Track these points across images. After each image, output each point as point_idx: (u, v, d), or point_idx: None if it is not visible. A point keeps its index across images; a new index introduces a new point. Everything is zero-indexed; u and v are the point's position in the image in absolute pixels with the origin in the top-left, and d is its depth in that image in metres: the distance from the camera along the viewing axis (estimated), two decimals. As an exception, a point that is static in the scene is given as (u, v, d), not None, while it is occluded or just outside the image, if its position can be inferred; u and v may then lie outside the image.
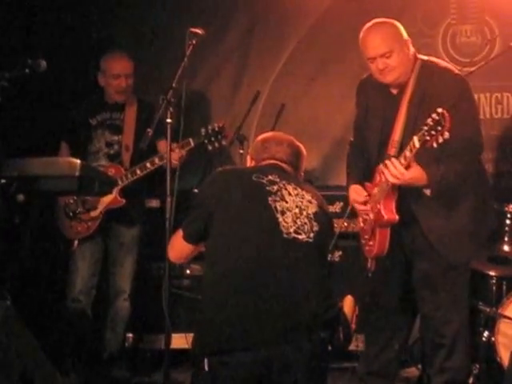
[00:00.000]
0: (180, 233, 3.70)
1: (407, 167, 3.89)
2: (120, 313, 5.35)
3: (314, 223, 3.58)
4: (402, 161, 3.90)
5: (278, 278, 3.43)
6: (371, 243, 4.19)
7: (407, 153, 3.87)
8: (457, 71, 4.15)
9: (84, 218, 5.23)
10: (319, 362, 3.50)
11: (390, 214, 4.07)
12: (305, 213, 3.58)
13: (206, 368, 3.40)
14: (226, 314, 3.40)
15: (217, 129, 5.17)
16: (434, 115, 3.65)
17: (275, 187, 3.58)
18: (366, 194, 4.28)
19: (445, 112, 3.64)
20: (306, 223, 3.56)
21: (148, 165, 5.15)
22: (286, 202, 3.56)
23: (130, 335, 5.53)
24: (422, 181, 3.95)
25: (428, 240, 4.16)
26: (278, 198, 3.55)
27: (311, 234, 3.55)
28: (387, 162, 3.98)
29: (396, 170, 3.91)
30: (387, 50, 4.08)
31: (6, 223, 4.20)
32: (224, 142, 5.23)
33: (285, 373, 3.40)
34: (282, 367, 3.39)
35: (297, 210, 3.56)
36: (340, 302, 3.74)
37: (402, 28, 4.17)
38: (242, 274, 3.42)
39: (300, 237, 3.52)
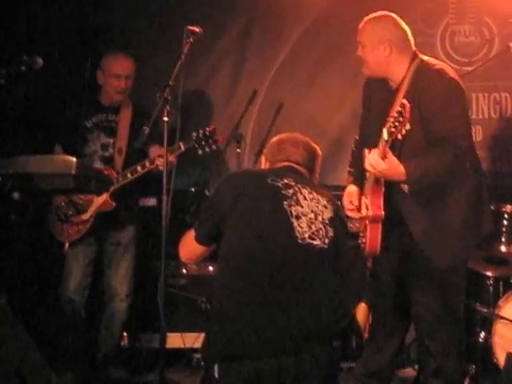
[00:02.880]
0: (192, 233, 3.65)
1: (382, 159, 3.89)
2: (116, 314, 5.34)
3: (329, 229, 3.51)
4: (380, 152, 3.92)
5: (292, 285, 3.37)
6: (364, 241, 4.18)
7: (380, 145, 3.89)
8: (451, 74, 4.13)
9: (75, 220, 5.22)
10: (331, 371, 3.45)
11: (376, 209, 4.06)
12: (320, 218, 3.51)
13: (216, 375, 3.34)
14: (239, 321, 3.33)
15: (208, 133, 5.16)
16: (398, 107, 3.71)
17: (290, 191, 3.52)
18: (357, 200, 4.29)
19: (406, 103, 3.70)
20: (320, 229, 3.49)
21: (139, 168, 5.14)
22: (302, 207, 3.50)
23: (126, 334, 5.53)
24: (399, 175, 3.94)
25: (414, 241, 4.15)
26: (293, 203, 3.49)
27: (326, 240, 3.48)
28: (367, 151, 4.00)
29: (372, 159, 3.90)
30: (360, 39, 4.20)
31: (1, 221, 4.20)
32: (215, 147, 5.20)
33: (297, 382, 3.34)
34: (294, 376, 3.33)
35: (312, 215, 3.50)
36: (354, 309, 3.69)
37: (394, 29, 4.17)
38: (256, 280, 3.36)
39: (315, 242, 3.45)
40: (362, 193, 4.30)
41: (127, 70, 5.31)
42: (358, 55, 4.24)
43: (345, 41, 5.50)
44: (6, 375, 3.56)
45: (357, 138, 4.67)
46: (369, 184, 4.14)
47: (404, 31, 4.19)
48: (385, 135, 3.79)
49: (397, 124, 3.72)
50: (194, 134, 5.15)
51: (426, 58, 4.21)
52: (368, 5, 5.70)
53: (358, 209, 4.27)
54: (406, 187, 4.03)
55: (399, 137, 3.77)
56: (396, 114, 3.72)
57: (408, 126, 3.72)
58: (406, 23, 4.25)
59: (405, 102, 3.72)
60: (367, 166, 3.95)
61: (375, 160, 3.89)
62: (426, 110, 3.99)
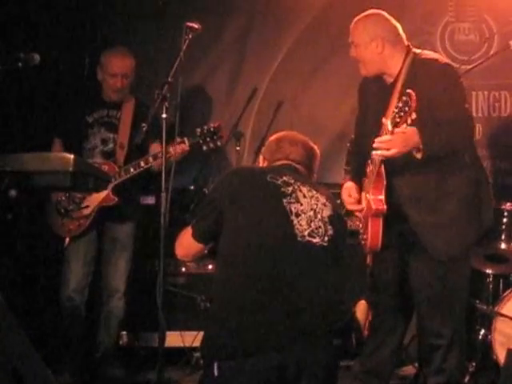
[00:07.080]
0: (189, 230, 3.63)
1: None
2: (114, 312, 5.31)
3: (329, 227, 3.51)
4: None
5: (292, 283, 3.36)
6: (365, 237, 4.17)
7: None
8: (445, 61, 4.20)
9: (76, 215, 5.18)
10: (331, 368, 3.44)
11: (378, 203, 4.05)
12: (319, 216, 3.51)
13: (216, 373, 3.32)
14: (239, 319, 3.32)
15: (212, 129, 5.15)
16: (403, 97, 3.70)
17: (290, 189, 3.51)
18: (356, 193, 4.28)
19: (411, 92, 3.67)
20: (320, 226, 3.48)
21: (142, 163, 5.12)
22: (301, 205, 3.49)
23: (124, 333, 5.52)
24: (416, 138, 3.87)
25: (415, 234, 4.14)
26: (292, 200, 3.48)
27: (325, 238, 3.48)
28: (376, 141, 3.92)
29: (381, 139, 3.87)
30: (353, 39, 4.23)
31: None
32: (219, 143, 5.21)
33: (297, 379, 3.34)
34: (295, 374, 3.33)
35: (311, 213, 3.49)
36: (353, 306, 3.68)
37: (385, 25, 4.19)
38: (256, 278, 3.35)
39: (314, 240, 3.45)
40: (360, 189, 4.30)
41: (124, 69, 5.27)
42: (351, 57, 4.25)
43: (345, 38, 5.49)
44: (2, 374, 3.54)
45: (353, 136, 4.67)
46: (370, 181, 4.13)
47: (394, 26, 4.22)
48: (389, 126, 3.78)
49: (402, 114, 3.70)
50: (198, 130, 5.15)
51: (418, 50, 4.24)
52: (367, 2, 5.71)
53: (358, 201, 4.27)
54: (419, 155, 3.97)
55: (405, 126, 3.75)
56: (401, 104, 3.70)
57: (414, 115, 3.70)
58: (406, 21, 4.26)
59: (410, 91, 3.68)
60: (386, 153, 3.87)
61: (384, 138, 3.85)
62: (426, 97, 3.94)
